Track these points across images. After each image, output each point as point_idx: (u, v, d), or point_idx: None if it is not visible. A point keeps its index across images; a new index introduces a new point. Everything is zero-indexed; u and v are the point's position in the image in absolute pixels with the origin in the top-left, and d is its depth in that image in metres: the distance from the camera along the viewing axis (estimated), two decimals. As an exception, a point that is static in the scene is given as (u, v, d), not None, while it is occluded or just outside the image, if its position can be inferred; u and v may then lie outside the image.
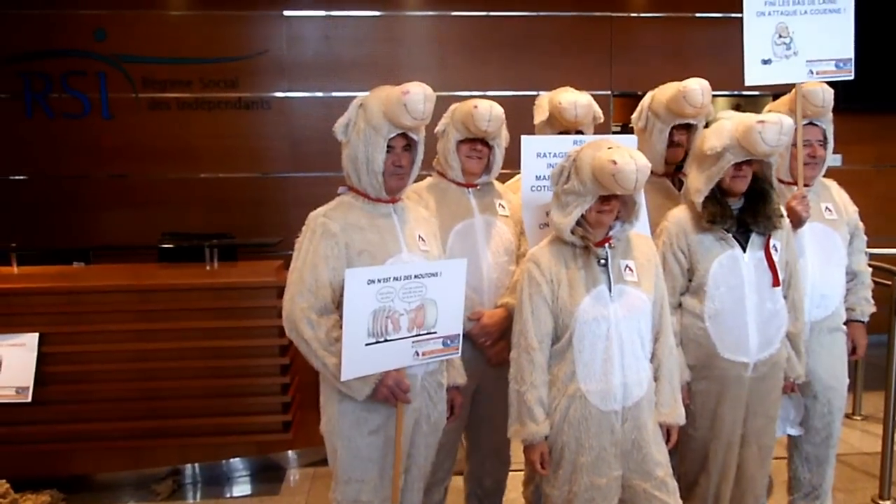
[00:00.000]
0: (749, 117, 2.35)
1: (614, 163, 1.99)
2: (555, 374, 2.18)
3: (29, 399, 3.37)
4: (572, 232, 2.14)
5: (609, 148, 2.06)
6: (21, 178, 5.53)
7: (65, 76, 5.43)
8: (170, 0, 5.53)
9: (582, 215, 2.13)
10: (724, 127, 2.37)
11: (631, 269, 2.20)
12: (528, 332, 2.16)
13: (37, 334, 3.43)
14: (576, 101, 2.66)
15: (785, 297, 2.49)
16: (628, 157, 2.00)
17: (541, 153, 2.55)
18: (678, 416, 2.25)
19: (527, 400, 2.15)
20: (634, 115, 2.82)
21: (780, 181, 2.68)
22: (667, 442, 2.26)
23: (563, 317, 2.15)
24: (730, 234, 2.43)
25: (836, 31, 2.83)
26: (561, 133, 2.69)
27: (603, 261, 2.18)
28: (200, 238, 4.50)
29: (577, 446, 2.15)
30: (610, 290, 2.15)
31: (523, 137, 2.56)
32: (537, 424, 2.15)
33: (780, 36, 2.79)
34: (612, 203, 2.12)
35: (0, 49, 5.37)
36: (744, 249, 2.44)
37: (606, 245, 2.17)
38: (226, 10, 5.51)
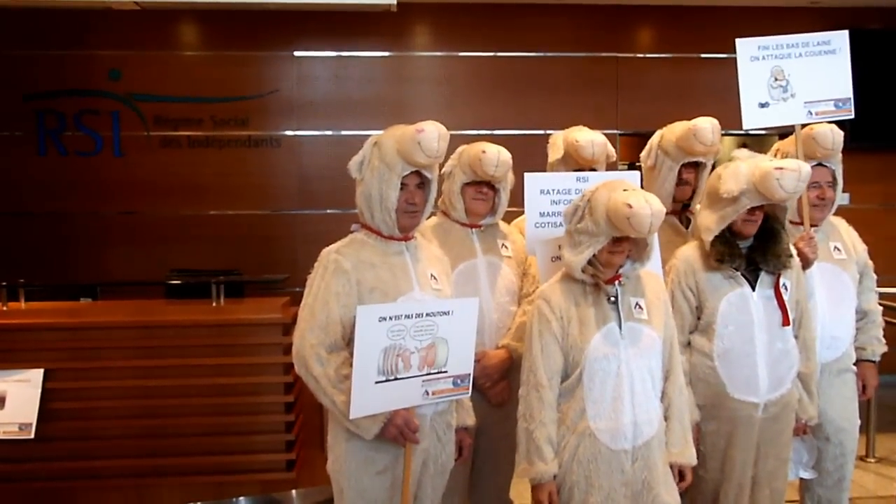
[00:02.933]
0: (766, 162, 2.34)
1: (629, 206, 1.98)
2: (564, 412, 2.15)
3: (32, 436, 3.35)
4: (583, 270, 2.14)
5: (625, 190, 2.05)
6: (31, 213, 5.57)
7: (78, 114, 5.52)
8: (183, 40, 5.64)
9: (594, 255, 2.12)
10: (741, 171, 2.34)
11: (641, 307, 2.19)
12: (537, 370, 2.14)
13: (42, 370, 3.42)
14: (593, 139, 2.69)
15: (796, 337, 2.47)
16: (643, 200, 1.99)
17: (544, 190, 2.56)
18: (689, 457, 2.22)
19: (535, 438, 2.12)
20: (644, 153, 2.83)
21: (789, 221, 2.66)
22: (679, 483, 2.22)
23: (573, 354, 2.14)
24: (738, 273, 2.42)
25: (833, 71, 2.82)
26: (576, 171, 2.70)
27: (613, 298, 2.17)
28: (207, 274, 4.50)
29: (587, 486, 2.12)
30: (620, 328, 2.14)
31: (526, 175, 2.57)
32: (546, 463, 2.11)
33: (776, 79, 2.79)
34: (624, 244, 2.12)
35: (16, 87, 5.47)
36: (753, 288, 2.42)
37: (616, 283, 2.17)
38: (238, 50, 5.61)
